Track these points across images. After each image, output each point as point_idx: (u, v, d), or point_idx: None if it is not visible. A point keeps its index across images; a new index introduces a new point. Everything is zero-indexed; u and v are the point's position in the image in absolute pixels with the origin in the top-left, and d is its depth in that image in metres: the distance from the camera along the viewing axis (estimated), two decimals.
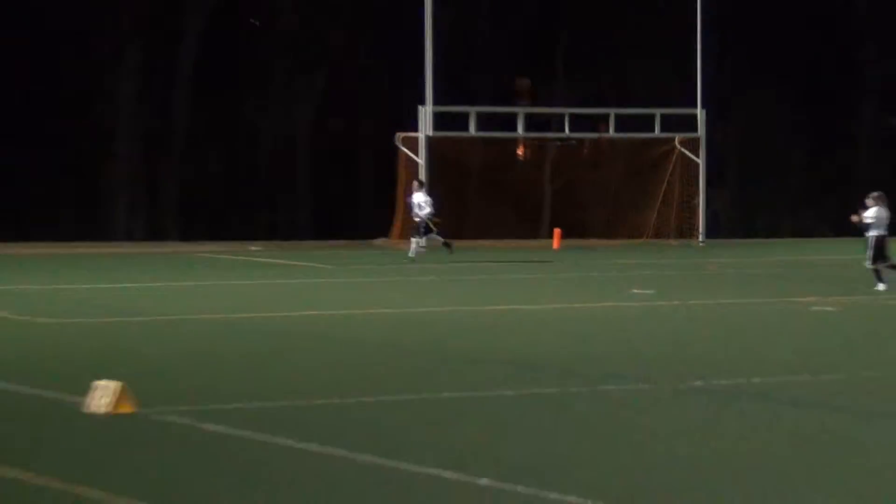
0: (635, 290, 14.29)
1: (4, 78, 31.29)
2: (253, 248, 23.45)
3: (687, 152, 25.34)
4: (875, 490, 4.40)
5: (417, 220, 19.23)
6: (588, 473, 4.81)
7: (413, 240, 18.79)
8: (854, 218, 14.71)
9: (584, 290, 15.69)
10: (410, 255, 18.89)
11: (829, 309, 12.90)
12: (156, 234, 29.81)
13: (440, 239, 19.15)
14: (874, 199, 15.01)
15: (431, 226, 19.30)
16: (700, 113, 24.82)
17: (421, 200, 19.48)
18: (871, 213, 14.09)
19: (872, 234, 14.29)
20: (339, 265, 20.15)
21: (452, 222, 21.51)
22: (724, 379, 7.72)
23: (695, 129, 24.96)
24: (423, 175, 22.33)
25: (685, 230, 25.09)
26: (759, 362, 8.84)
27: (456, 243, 19.84)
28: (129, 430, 6.10)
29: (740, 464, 4.88)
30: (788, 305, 13.50)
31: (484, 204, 26.07)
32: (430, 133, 23.51)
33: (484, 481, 4.45)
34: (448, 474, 4.69)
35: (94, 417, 6.32)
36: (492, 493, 4.36)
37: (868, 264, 14.21)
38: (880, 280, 14.36)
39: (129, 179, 31.36)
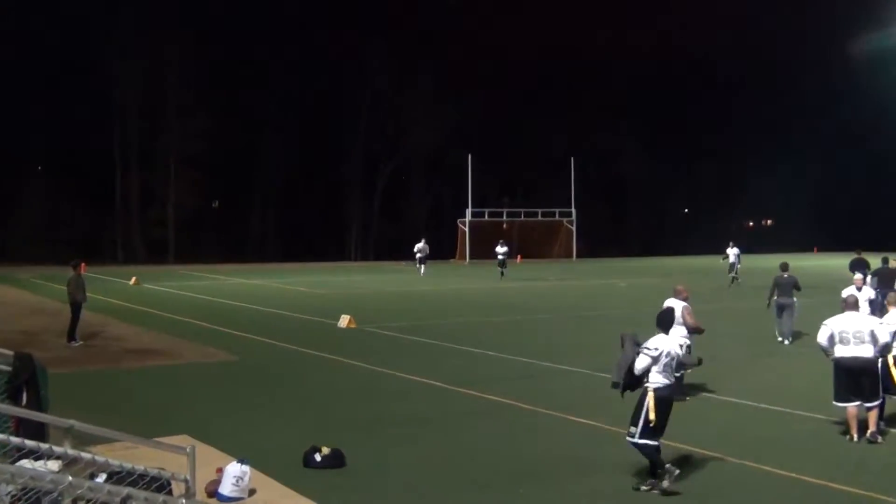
0: (550, 278, 52.07)
1: None
2: (403, 263, 57.20)
3: (568, 224, 68.00)
4: None
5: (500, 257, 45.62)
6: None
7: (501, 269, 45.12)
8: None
9: (522, 277, 55.00)
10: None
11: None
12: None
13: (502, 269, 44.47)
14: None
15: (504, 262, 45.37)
16: (573, 210, 67.69)
17: (501, 249, 45.72)
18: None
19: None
20: (437, 269, 51.89)
21: (480, 253, 63.51)
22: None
23: (570, 215, 67.97)
24: (468, 239, 64.61)
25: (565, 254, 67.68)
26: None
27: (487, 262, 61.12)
28: (353, 333, 22.39)
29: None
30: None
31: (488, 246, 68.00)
32: (469, 219, 64.62)
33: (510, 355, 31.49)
34: (491, 352, 25.36)
35: (341, 329, 23.20)
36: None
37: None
38: None
39: None
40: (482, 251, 60.89)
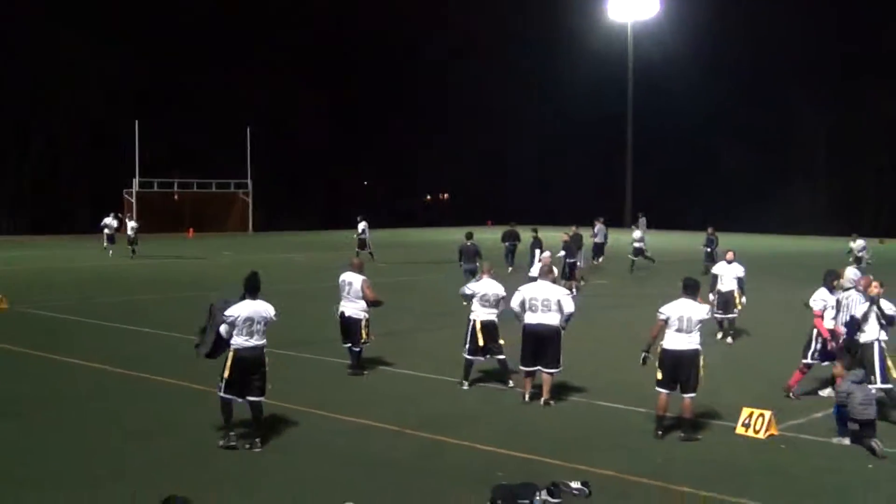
0: (226, 252, 52.44)
1: None
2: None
3: (244, 196, 67.34)
4: None
5: None
6: None
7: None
8: None
9: (197, 252, 53.31)
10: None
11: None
12: None
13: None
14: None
15: None
16: (249, 182, 67.11)
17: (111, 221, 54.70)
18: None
19: None
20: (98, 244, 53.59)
21: (151, 227, 61.04)
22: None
23: (246, 186, 67.23)
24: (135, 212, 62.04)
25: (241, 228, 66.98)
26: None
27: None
28: (3, 315, 21.39)
29: None
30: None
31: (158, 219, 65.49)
32: (137, 190, 62.08)
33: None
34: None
35: None
36: None
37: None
38: None
39: None
40: (152, 225, 58.69)
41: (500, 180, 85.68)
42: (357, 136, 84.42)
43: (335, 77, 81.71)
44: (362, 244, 37.76)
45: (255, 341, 10.76)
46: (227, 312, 10.71)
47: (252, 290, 10.96)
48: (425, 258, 40.32)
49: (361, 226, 38.43)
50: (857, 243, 32.56)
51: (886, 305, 12.40)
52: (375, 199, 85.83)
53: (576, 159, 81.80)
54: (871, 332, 12.30)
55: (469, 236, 25.43)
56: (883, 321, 12.32)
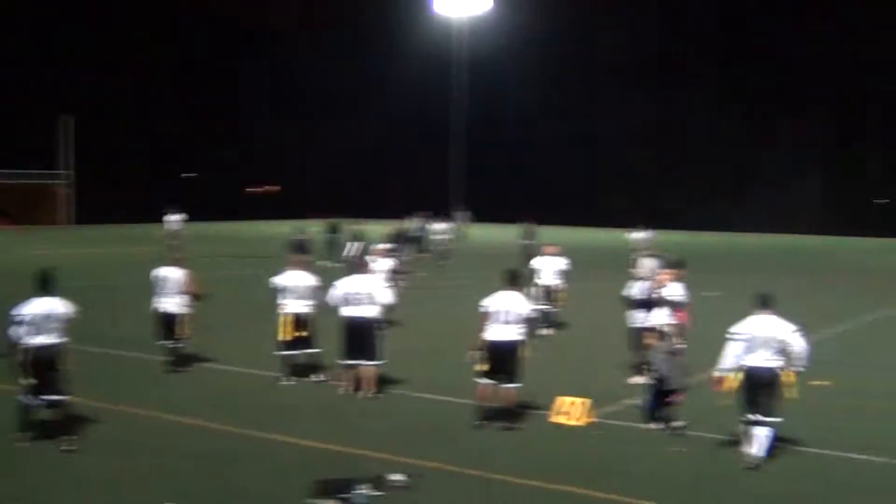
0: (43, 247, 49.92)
1: None
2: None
3: (64, 188, 64.69)
4: None
5: None
6: None
7: None
8: None
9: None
10: None
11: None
12: None
13: None
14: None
15: None
16: (71, 172, 64.36)
17: None
18: None
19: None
20: None
21: None
22: None
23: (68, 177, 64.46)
24: None
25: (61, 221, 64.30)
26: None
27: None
28: None
29: None
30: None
31: None
32: None
33: None
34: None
35: None
36: None
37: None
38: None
39: None
40: None
41: (326, 173, 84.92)
42: (190, 126, 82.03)
43: (167, 66, 79.16)
44: (176, 236, 37.00)
45: (52, 339, 10.35)
46: (17, 312, 10.33)
47: (44, 287, 10.57)
48: (249, 252, 39.59)
49: (176, 217, 37.90)
50: (639, 235, 33.93)
51: (673, 292, 12.80)
52: (196, 190, 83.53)
53: (402, 152, 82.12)
54: (658, 318, 12.62)
55: (300, 230, 25.95)
56: (668, 307, 12.70)
